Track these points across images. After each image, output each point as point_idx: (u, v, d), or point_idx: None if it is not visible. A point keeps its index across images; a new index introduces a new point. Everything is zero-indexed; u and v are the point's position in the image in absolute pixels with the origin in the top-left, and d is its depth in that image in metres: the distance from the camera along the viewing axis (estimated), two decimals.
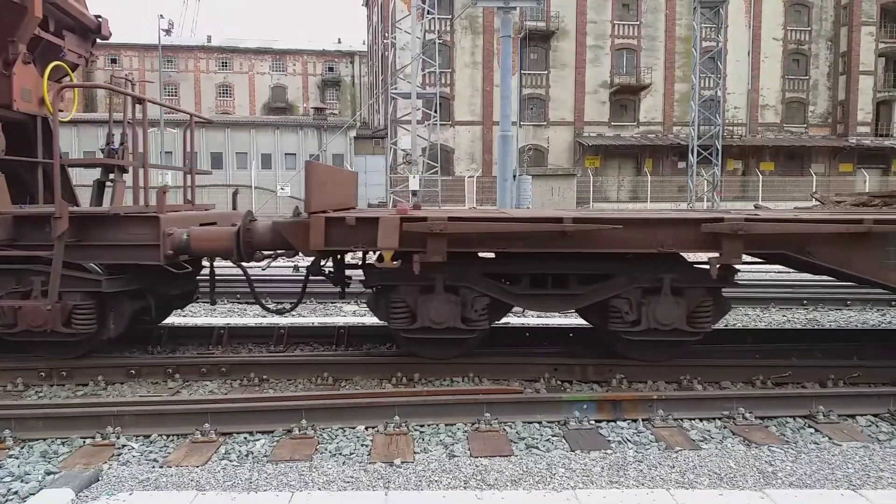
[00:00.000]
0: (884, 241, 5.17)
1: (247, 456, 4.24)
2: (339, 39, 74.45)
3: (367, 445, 4.39)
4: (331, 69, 71.60)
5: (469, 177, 37.19)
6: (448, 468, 3.94)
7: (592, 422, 4.74)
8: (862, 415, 4.95)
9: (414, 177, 25.41)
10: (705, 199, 32.90)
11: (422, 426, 4.69)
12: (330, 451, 4.28)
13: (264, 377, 5.75)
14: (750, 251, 5.21)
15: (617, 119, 43.88)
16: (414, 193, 26.15)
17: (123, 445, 4.37)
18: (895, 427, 4.75)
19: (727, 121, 41.35)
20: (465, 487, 3.70)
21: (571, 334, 7.12)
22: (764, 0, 43.98)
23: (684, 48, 41.56)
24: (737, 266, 5.46)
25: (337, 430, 4.61)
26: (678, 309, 5.45)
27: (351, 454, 4.26)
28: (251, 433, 4.55)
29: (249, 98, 68.60)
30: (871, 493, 3.64)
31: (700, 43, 33.24)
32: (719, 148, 32.87)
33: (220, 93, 68.41)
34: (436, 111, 27.70)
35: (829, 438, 4.52)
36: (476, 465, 3.98)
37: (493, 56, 41.66)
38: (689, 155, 33.12)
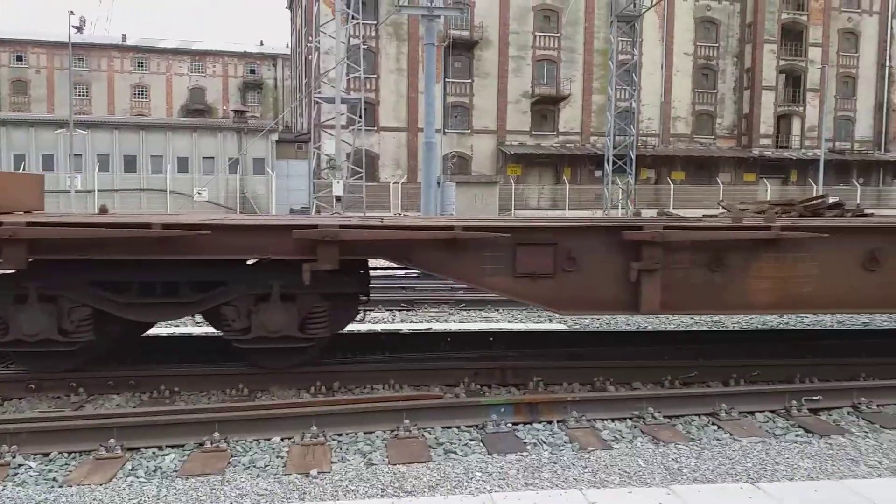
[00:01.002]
0: (478, 248, 5.26)
1: (155, 472, 4.08)
2: (262, 42, 73.05)
3: (282, 457, 4.30)
4: (252, 72, 70.10)
5: (394, 182, 37.18)
6: (365, 476, 3.92)
7: (510, 425, 4.82)
8: (761, 411, 5.23)
9: (338, 182, 25.16)
10: (619, 207, 34.06)
11: (340, 435, 4.64)
12: (244, 464, 4.18)
13: (176, 389, 5.55)
14: (349, 257, 5.17)
15: (538, 128, 44.90)
16: (338, 199, 25.89)
17: (20, 465, 4.12)
18: (790, 422, 5.05)
19: (641, 131, 43.08)
20: (382, 496, 3.69)
21: (492, 338, 7.22)
22: (676, 16, 46.08)
23: (602, 61, 42.99)
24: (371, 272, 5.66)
25: (251, 442, 4.50)
26: (287, 316, 5.35)
27: (266, 466, 4.17)
28: (160, 448, 4.37)
29: (166, 100, 66.31)
30: (767, 485, 3.85)
31: (617, 56, 34.48)
32: (633, 157, 34.13)
33: (135, 94, 65.82)
34: (360, 116, 27.56)
35: (731, 434, 4.76)
36: (394, 473, 3.97)
37: (418, 63, 41.77)
38: (605, 164, 34.24)
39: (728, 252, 5.42)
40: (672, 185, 40.65)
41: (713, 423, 4.99)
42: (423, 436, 4.59)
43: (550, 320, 9.04)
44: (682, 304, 5.49)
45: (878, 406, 5.31)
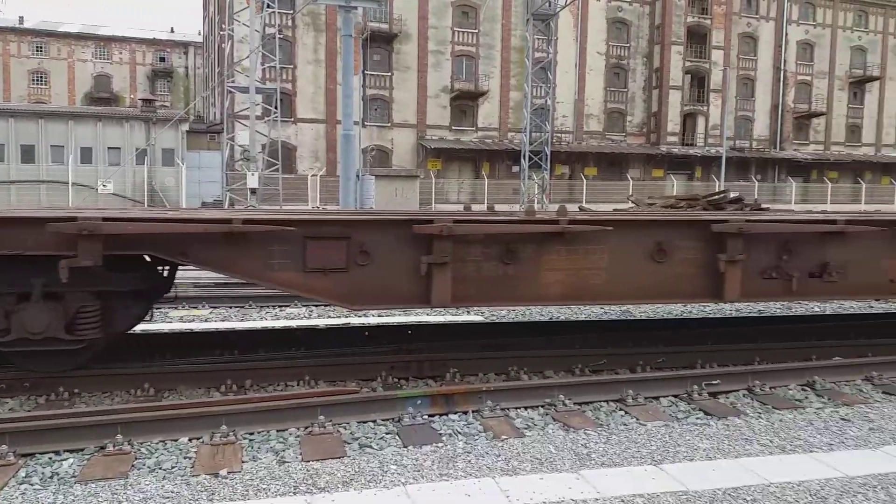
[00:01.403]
0: (264, 242, 5.09)
1: (52, 478, 3.86)
2: (172, 28, 70.13)
3: (190, 458, 4.16)
4: (162, 59, 67.19)
5: (312, 175, 36.53)
6: (278, 475, 3.85)
7: (426, 417, 4.84)
8: (665, 396, 5.48)
9: (252, 174, 24.45)
10: (535, 202, 34.77)
11: (252, 434, 4.53)
12: (149, 467, 4.01)
13: (76, 391, 5.28)
14: (116, 252, 4.87)
15: (457, 123, 45.21)
16: (253, 191, 25.20)
17: None
18: (692, 406, 5.31)
19: (556, 128, 44.06)
20: (294, 493, 3.63)
21: (410, 331, 7.24)
22: (589, 16, 47.37)
23: (519, 58, 43.68)
24: (167, 269, 5.55)
25: (157, 443, 4.33)
26: (51, 316, 4.95)
27: (172, 468, 4.02)
28: (57, 452, 4.15)
29: (68, 87, 62.60)
30: (670, 466, 4.04)
31: (533, 54, 35.09)
32: (548, 154, 34.89)
33: (33, 80, 61.82)
34: (276, 107, 26.85)
35: (637, 419, 4.96)
36: (307, 470, 3.92)
37: (336, 54, 41.17)
38: (522, 160, 34.87)
39: (519, 245, 5.45)
40: (585, 181, 41.83)
41: (621, 409, 5.19)
42: (338, 431, 4.55)
43: (468, 312, 9.15)
44: (475, 297, 5.49)
45: (770, 388, 5.66)
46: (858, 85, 53.91)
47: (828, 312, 9.59)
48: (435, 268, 5.22)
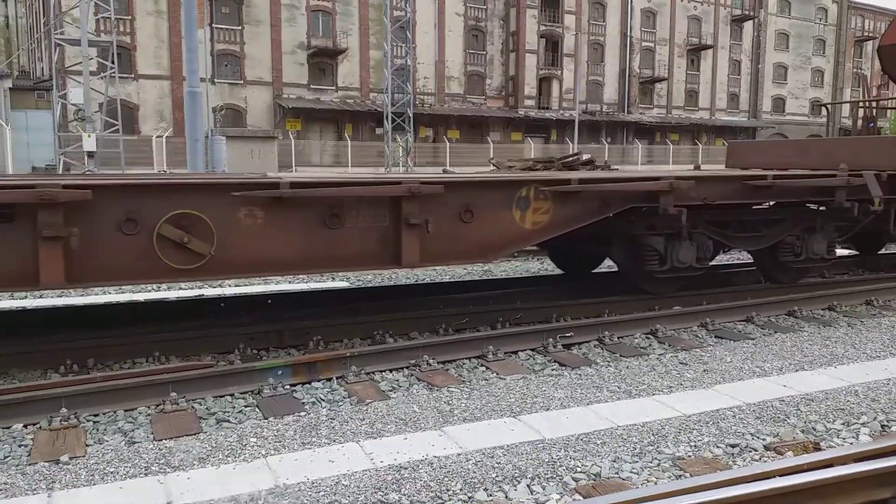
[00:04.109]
0: None
1: None
2: None
3: (26, 445, 3.80)
4: None
5: (157, 136, 34.04)
6: (127, 456, 3.61)
7: (288, 387, 4.72)
8: (523, 350, 5.71)
9: (89, 136, 22.29)
10: (401, 165, 34.73)
11: (97, 416, 4.22)
12: None
13: None
14: None
15: (316, 82, 43.80)
16: (90, 155, 23.05)
17: None
18: (547, 358, 5.58)
19: (418, 90, 43.95)
20: (146, 474, 3.42)
21: (270, 300, 7.01)
22: None
23: (377, 16, 42.80)
24: None
25: None
26: None
27: (6, 458, 3.66)
28: None
29: None
30: (527, 416, 4.22)
31: (391, 12, 34.56)
32: (411, 116, 34.83)
33: None
34: (113, 62, 24.54)
35: (497, 374, 5.14)
36: (159, 449, 3.70)
37: (180, 5, 38.35)
38: (385, 121, 34.56)
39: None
40: (448, 144, 42.24)
41: (482, 365, 5.35)
42: (192, 408, 4.33)
43: (333, 279, 9.00)
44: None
45: (618, 338, 6.06)
46: (695, 53, 58.08)
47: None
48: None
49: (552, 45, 51.61)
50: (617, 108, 54.99)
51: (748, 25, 60.28)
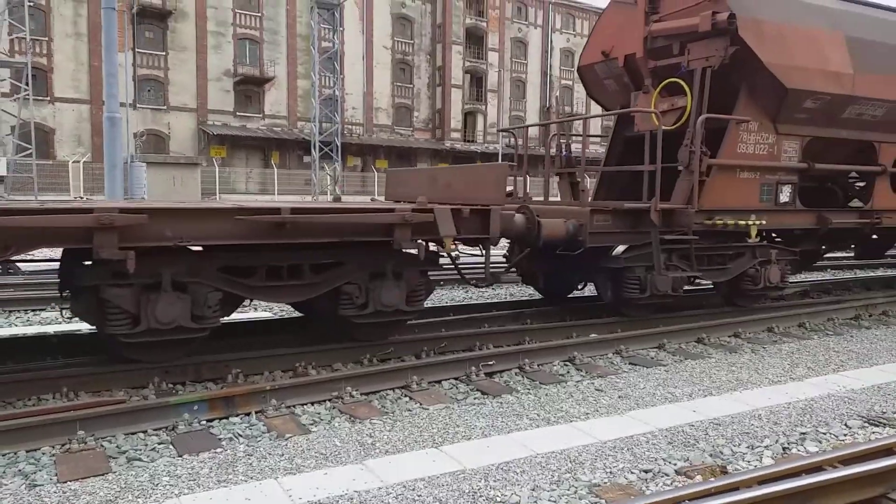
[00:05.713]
0: None
1: None
2: None
3: None
4: None
5: (74, 161, 32.63)
6: (27, 501, 3.41)
7: (204, 422, 4.58)
8: (447, 379, 5.75)
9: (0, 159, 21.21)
10: (328, 193, 34.51)
11: None
12: None
13: None
14: None
15: (242, 109, 43.21)
16: (0, 179, 21.87)
17: None
18: (470, 387, 5.63)
19: (347, 120, 44.01)
20: None
21: None
22: (375, 10, 47.80)
23: (305, 46, 42.82)
24: None
25: None
26: None
27: None
28: None
29: None
30: (449, 447, 4.25)
31: (319, 42, 34.66)
32: (339, 145, 34.78)
33: None
34: (28, 84, 23.49)
35: (420, 404, 5.14)
36: (63, 492, 3.52)
37: (100, 28, 37.24)
38: (313, 150, 34.37)
39: None
40: (376, 173, 42.32)
41: (406, 395, 5.34)
42: (101, 446, 4.14)
43: (256, 309, 8.82)
44: None
45: (538, 365, 6.20)
46: None
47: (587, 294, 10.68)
48: None
49: (476, 81, 52.87)
50: (538, 142, 56.58)
51: None
